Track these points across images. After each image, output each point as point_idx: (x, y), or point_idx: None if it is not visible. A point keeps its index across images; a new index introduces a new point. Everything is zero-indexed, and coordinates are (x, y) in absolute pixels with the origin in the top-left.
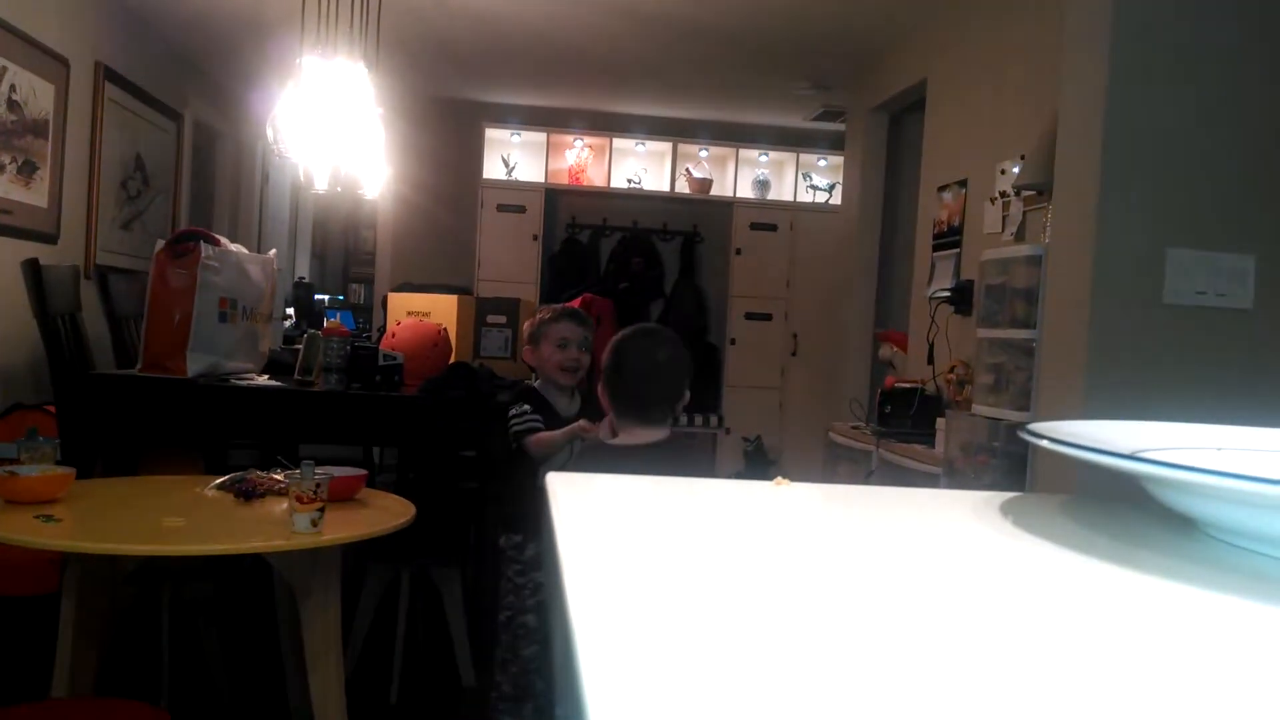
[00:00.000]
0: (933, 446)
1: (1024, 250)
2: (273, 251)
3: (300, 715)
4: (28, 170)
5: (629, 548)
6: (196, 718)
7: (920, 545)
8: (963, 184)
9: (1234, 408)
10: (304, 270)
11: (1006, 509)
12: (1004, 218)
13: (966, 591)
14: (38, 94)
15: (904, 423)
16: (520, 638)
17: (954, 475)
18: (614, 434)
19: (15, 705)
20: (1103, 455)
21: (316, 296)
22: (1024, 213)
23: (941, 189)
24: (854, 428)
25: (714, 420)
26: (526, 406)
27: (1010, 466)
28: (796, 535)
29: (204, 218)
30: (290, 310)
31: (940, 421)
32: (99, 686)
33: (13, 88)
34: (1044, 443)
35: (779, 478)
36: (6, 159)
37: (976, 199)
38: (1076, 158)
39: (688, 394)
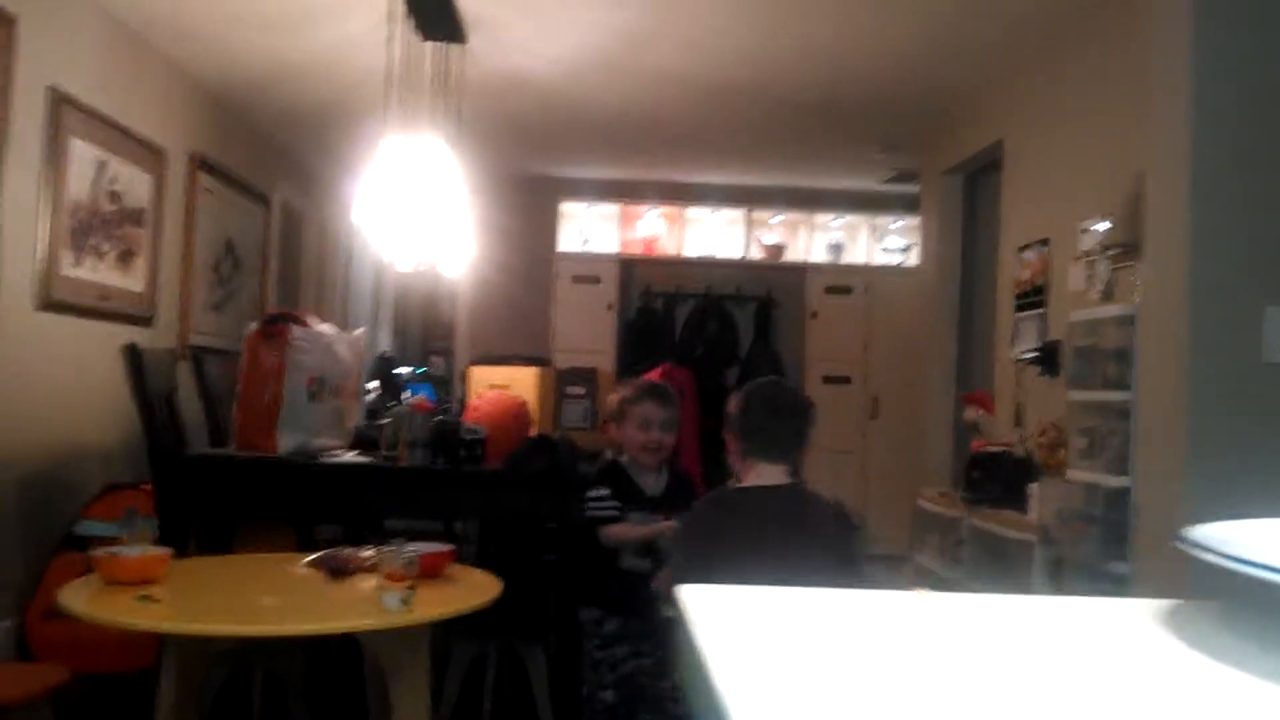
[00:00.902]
0: (1024, 512)
1: (1114, 310)
2: (360, 330)
3: None
4: (126, 257)
5: (779, 667)
6: None
7: (1090, 666)
8: (1044, 243)
9: None
10: (385, 343)
11: (1172, 621)
12: (1090, 276)
13: None
14: (136, 184)
15: (993, 488)
16: (600, 713)
17: (1049, 543)
18: (739, 480)
19: None
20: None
21: (397, 370)
22: (1112, 270)
23: (1022, 249)
24: (941, 494)
25: (801, 481)
26: (605, 491)
27: (1108, 534)
28: (953, 653)
29: (291, 296)
30: (372, 384)
31: (1032, 487)
32: None
33: (113, 179)
34: (1208, 556)
35: (919, 589)
36: (107, 247)
37: (1060, 258)
38: (1166, 216)
39: (809, 442)
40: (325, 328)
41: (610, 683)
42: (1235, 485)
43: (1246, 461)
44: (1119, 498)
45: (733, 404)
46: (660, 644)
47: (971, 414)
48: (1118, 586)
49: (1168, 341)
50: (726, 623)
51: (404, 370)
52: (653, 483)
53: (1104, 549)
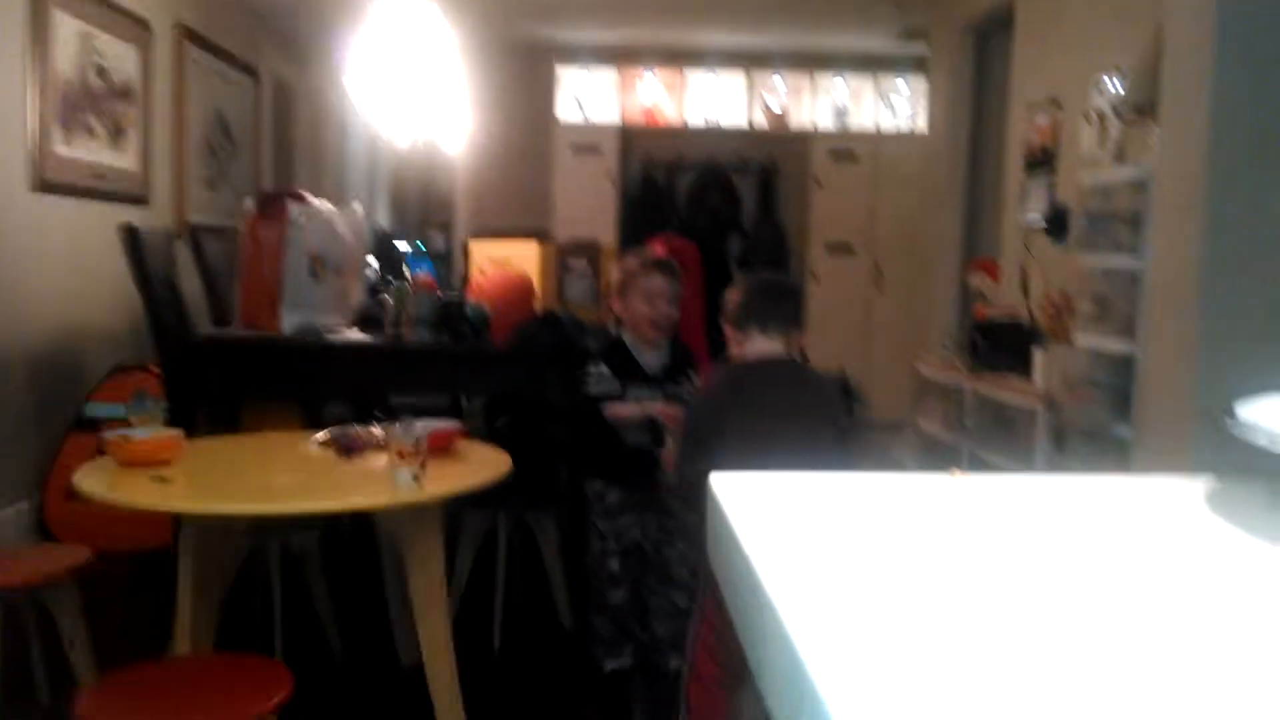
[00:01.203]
0: (1029, 379)
1: (1128, 173)
2: (357, 205)
3: (411, 664)
4: (118, 135)
5: (818, 551)
6: (310, 670)
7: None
8: (1056, 103)
9: None
10: (383, 219)
11: (1212, 499)
12: (1101, 137)
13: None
14: (122, 59)
15: (997, 355)
16: (606, 583)
17: (1053, 409)
18: (738, 351)
19: (143, 661)
20: None
21: (397, 245)
22: (1123, 132)
23: (1032, 109)
24: (945, 361)
25: (797, 356)
26: (603, 368)
27: (1113, 400)
28: (991, 534)
29: (285, 172)
30: (372, 260)
31: (1038, 354)
32: (217, 641)
33: (99, 53)
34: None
35: (954, 468)
36: (97, 125)
37: (1071, 119)
38: (1184, 75)
39: (802, 326)
40: (324, 205)
41: (614, 551)
42: (1245, 352)
43: (1258, 328)
44: (1125, 364)
45: (730, 295)
46: (664, 514)
47: (977, 280)
48: (1120, 451)
49: (1183, 205)
50: (763, 511)
51: (403, 245)
52: (653, 358)
53: (1108, 415)
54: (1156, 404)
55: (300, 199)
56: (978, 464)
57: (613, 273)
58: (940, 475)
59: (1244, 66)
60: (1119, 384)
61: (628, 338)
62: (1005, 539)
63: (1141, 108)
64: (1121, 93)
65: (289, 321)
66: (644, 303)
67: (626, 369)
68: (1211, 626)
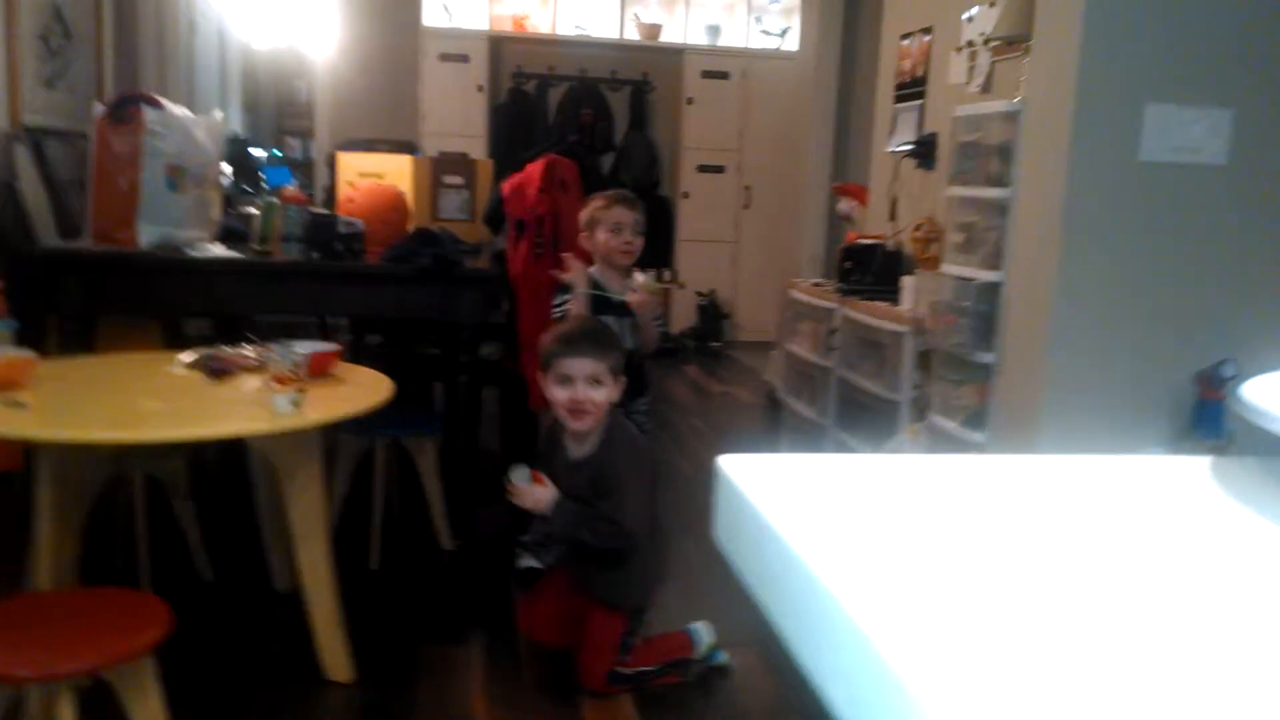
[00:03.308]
0: (897, 304)
1: (999, 106)
2: (217, 113)
3: (286, 589)
4: None
5: (852, 535)
6: (180, 600)
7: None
8: (927, 31)
9: (1210, 264)
10: (236, 125)
11: (1218, 474)
12: (971, 68)
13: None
14: None
15: (866, 280)
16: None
17: (921, 334)
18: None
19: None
20: None
21: (251, 152)
22: (992, 63)
23: (904, 37)
24: (815, 284)
25: (666, 275)
26: (566, 297)
27: (979, 326)
28: (1017, 514)
29: (129, 72)
30: (227, 168)
31: (907, 280)
32: (80, 574)
33: None
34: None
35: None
36: None
37: (942, 48)
38: (1057, 9)
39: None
40: (180, 110)
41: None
42: (1105, 280)
43: (1119, 258)
44: (991, 291)
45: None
46: None
47: (845, 206)
48: (984, 374)
49: (1050, 137)
50: (780, 493)
51: (259, 153)
52: (619, 286)
53: (974, 340)
54: (1019, 331)
55: (155, 103)
56: (845, 387)
57: (581, 214)
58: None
59: (1112, 2)
60: (984, 311)
61: (597, 269)
62: (1033, 520)
63: (1010, 40)
64: (991, 25)
65: (147, 235)
66: (610, 234)
67: (596, 301)
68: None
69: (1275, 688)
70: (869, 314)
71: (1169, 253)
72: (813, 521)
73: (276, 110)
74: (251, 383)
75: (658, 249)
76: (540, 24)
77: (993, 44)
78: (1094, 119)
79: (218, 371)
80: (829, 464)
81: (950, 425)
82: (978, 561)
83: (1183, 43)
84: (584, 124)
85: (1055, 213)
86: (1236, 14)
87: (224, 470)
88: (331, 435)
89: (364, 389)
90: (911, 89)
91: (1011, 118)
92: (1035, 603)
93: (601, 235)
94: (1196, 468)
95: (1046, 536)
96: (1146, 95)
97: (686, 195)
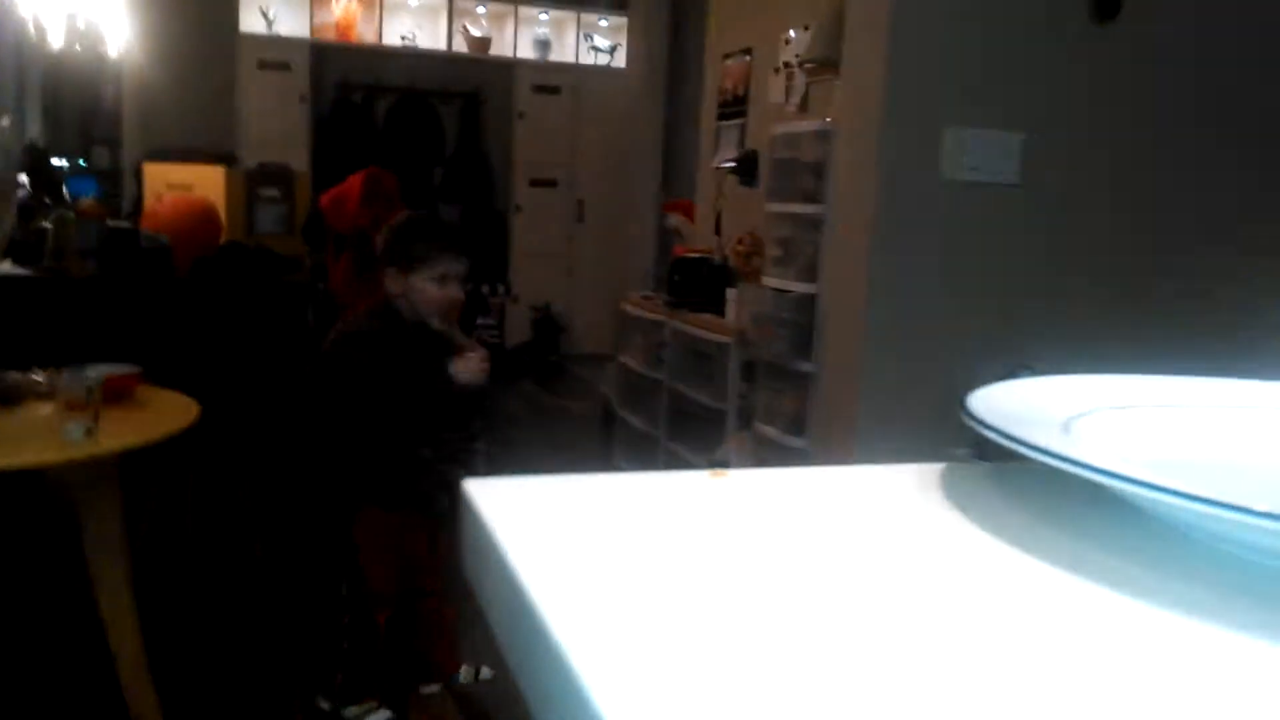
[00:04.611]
0: (723, 316)
1: (813, 125)
2: (3, 120)
3: (87, 627)
4: None
5: (581, 559)
6: None
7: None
8: (748, 52)
9: (1008, 276)
10: (35, 132)
11: (949, 483)
12: (788, 89)
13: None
14: None
15: (694, 293)
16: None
17: (744, 345)
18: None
19: None
20: (1076, 466)
21: (53, 162)
22: (807, 85)
23: (726, 57)
24: (645, 298)
25: (501, 289)
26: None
27: (797, 337)
28: (747, 530)
29: None
30: (24, 179)
31: (731, 293)
32: None
33: None
34: (989, 434)
35: (717, 469)
36: None
37: (761, 69)
38: (865, 37)
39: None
40: None
41: None
42: (913, 291)
43: (924, 271)
44: (808, 303)
45: (382, 240)
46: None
47: (673, 220)
48: (803, 383)
49: (859, 156)
50: (516, 515)
51: (60, 163)
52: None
53: (793, 350)
54: (834, 341)
55: None
56: (676, 398)
57: (380, 239)
58: (701, 474)
59: (918, 26)
60: (802, 321)
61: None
62: (759, 534)
63: (824, 62)
64: (806, 48)
65: None
66: (434, 284)
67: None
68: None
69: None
70: (697, 326)
71: (971, 266)
72: (543, 544)
73: (81, 118)
74: (44, 409)
75: (492, 263)
76: (366, 34)
77: (807, 66)
78: (898, 140)
79: (4, 398)
80: (580, 485)
81: (773, 432)
82: (697, 581)
83: (978, 70)
84: (413, 137)
85: (865, 228)
86: (1027, 44)
87: (14, 500)
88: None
89: (167, 414)
90: (734, 107)
91: (824, 137)
92: (741, 620)
93: (420, 282)
94: (928, 475)
95: (763, 553)
96: (946, 118)
97: (519, 209)
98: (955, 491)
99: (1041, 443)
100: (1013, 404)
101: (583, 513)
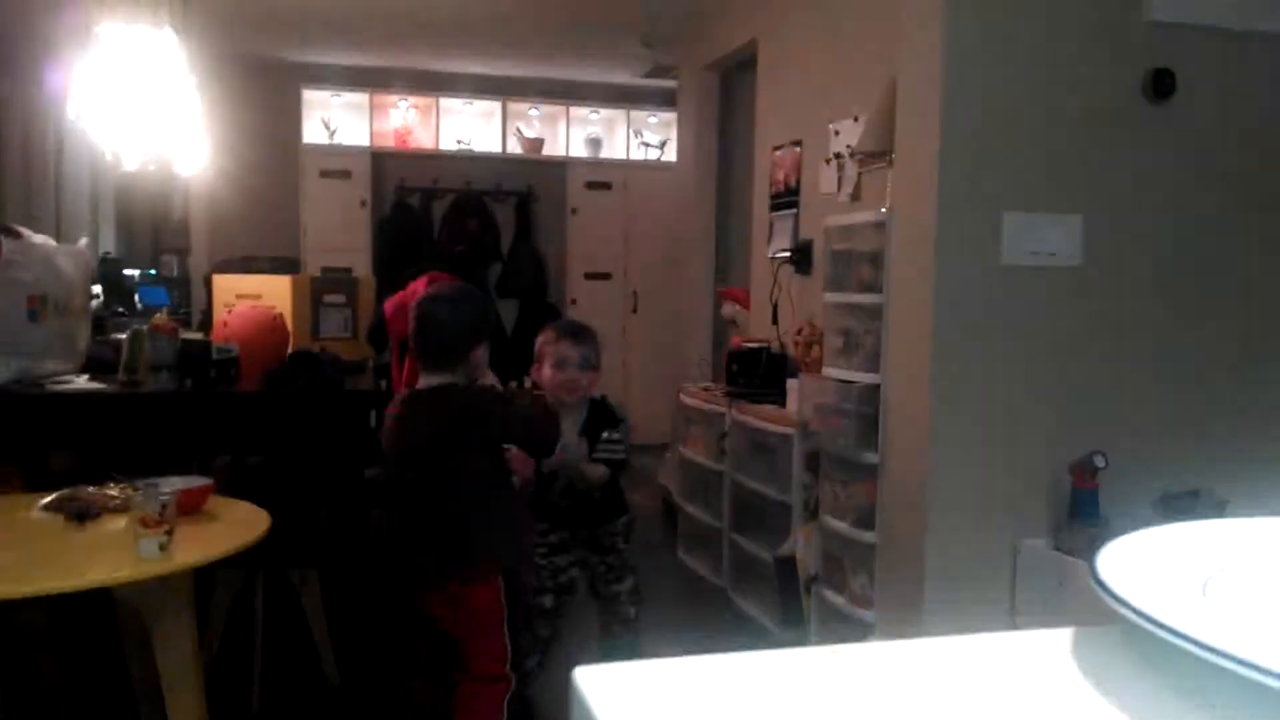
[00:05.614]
0: (784, 407)
1: (868, 216)
2: (83, 241)
3: None
4: None
5: None
6: None
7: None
8: (797, 144)
9: (1073, 359)
10: (109, 244)
11: (1078, 650)
12: (840, 178)
13: None
14: None
15: (752, 382)
16: (537, 616)
17: (807, 436)
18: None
19: None
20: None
21: (126, 272)
22: (859, 174)
23: (776, 148)
24: (704, 389)
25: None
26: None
27: (863, 427)
28: (885, 708)
29: None
30: (98, 290)
31: (792, 383)
32: None
33: None
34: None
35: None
36: None
37: (812, 159)
38: (916, 127)
39: (481, 348)
40: (42, 239)
41: (550, 588)
42: (978, 377)
43: (988, 356)
44: (872, 393)
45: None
46: (605, 551)
47: (729, 309)
48: (870, 474)
49: (916, 245)
50: (638, 706)
51: (132, 272)
52: (570, 423)
53: (859, 441)
54: (900, 431)
55: (14, 233)
56: (738, 489)
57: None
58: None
59: (968, 117)
60: (867, 412)
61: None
62: (899, 711)
63: (874, 154)
64: (857, 138)
65: (4, 370)
66: (554, 369)
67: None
68: None
69: None
70: (757, 417)
71: (1036, 350)
72: None
73: (153, 231)
74: (118, 524)
75: None
76: (423, 140)
77: (858, 157)
78: (956, 227)
79: (80, 515)
80: (691, 669)
81: (841, 525)
82: None
83: (1033, 153)
84: (470, 235)
85: (926, 316)
86: (1081, 127)
87: (91, 617)
88: (208, 570)
89: (239, 525)
90: (786, 197)
91: (880, 227)
92: None
93: (546, 371)
94: (1056, 641)
95: None
96: (1003, 203)
97: (574, 302)
98: (1089, 662)
99: (1173, 611)
100: (1144, 559)
101: (700, 708)
